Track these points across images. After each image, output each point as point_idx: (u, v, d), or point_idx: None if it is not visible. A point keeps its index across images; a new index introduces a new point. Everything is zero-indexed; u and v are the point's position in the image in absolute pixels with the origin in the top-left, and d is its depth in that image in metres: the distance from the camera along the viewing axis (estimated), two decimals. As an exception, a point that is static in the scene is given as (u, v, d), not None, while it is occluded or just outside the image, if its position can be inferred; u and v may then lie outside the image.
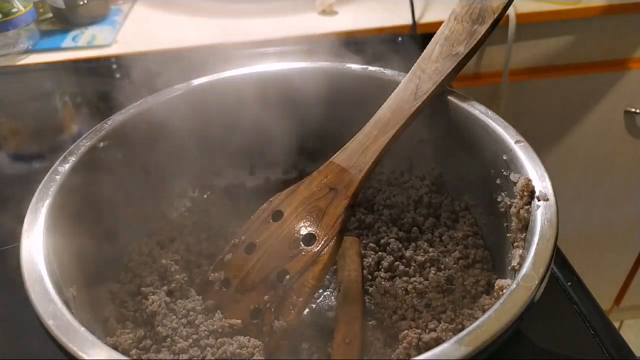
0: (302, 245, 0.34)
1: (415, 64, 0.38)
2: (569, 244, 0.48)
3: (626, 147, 0.91)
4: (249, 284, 0.35)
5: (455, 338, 0.23)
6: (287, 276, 0.33)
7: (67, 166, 0.33)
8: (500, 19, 0.36)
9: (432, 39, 0.38)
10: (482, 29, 0.36)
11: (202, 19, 0.77)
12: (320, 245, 0.33)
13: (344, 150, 0.36)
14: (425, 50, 0.38)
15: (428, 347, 0.31)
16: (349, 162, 0.35)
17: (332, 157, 0.36)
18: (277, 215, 0.36)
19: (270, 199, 0.37)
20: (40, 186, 0.32)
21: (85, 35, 0.72)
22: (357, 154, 0.36)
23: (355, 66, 0.43)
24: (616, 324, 1.23)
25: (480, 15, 0.37)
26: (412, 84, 0.37)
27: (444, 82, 0.36)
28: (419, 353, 0.28)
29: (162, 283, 0.37)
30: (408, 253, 0.38)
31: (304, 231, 0.34)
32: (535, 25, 0.76)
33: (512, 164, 0.33)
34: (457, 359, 0.22)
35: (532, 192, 0.30)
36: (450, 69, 0.36)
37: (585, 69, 0.83)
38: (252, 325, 0.33)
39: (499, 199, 0.35)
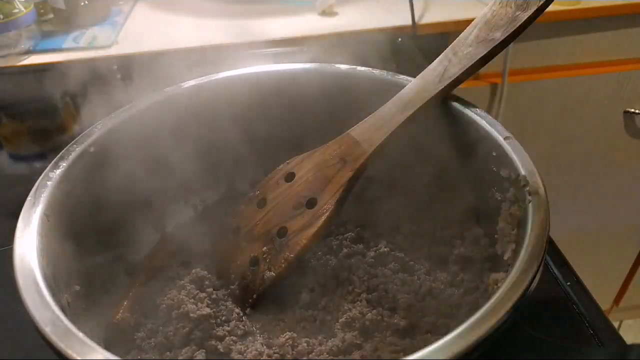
0: (305, 207, 0.37)
1: (449, 46, 0.37)
2: (568, 244, 0.48)
3: (625, 148, 0.92)
4: (254, 234, 0.38)
5: (454, 333, 0.23)
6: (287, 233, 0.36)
7: (58, 172, 0.33)
8: (544, 8, 0.34)
9: (474, 21, 0.37)
10: (524, 16, 0.34)
11: (202, 19, 0.77)
12: (318, 210, 0.36)
13: (362, 123, 0.37)
14: (463, 32, 0.37)
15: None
16: (364, 136, 0.37)
17: (350, 129, 0.38)
18: (290, 176, 0.39)
19: (287, 161, 0.40)
20: (32, 192, 0.32)
21: (86, 36, 0.72)
22: (372, 129, 0.36)
23: (353, 67, 0.43)
24: (615, 324, 1.23)
25: (526, 1, 0.35)
26: (440, 66, 0.36)
27: (472, 67, 0.35)
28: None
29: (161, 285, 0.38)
30: (409, 256, 0.39)
31: (308, 195, 0.37)
32: (535, 25, 0.76)
33: (502, 160, 0.33)
34: (456, 352, 0.22)
35: (523, 187, 0.31)
36: (482, 55, 0.35)
37: (585, 69, 0.83)
38: (248, 271, 0.37)
39: (489, 195, 0.35)
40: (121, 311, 0.36)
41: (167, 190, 0.43)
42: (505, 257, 0.31)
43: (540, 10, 0.34)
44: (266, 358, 0.33)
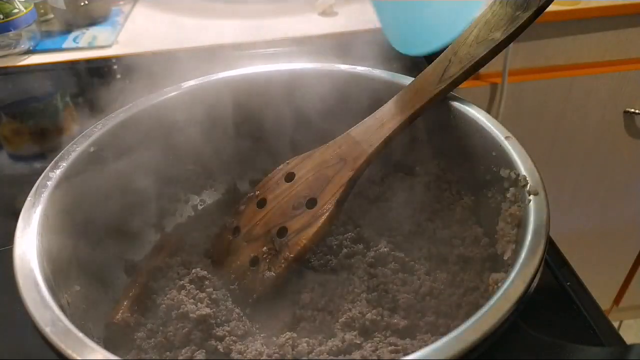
0: (305, 207, 0.37)
1: (449, 46, 0.37)
2: (568, 244, 0.49)
3: (625, 148, 0.92)
4: (254, 234, 0.39)
5: (454, 333, 0.23)
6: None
7: (58, 172, 0.33)
8: (544, 8, 0.34)
9: (474, 21, 0.37)
10: (525, 16, 0.34)
11: (202, 20, 0.77)
12: (318, 210, 0.36)
13: (362, 123, 0.37)
14: (463, 32, 0.37)
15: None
16: (364, 136, 0.37)
17: (350, 129, 0.38)
18: (290, 176, 0.39)
19: (287, 161, 0.40)
20: (32, 192, 0.32)
21: (86, 36, 0.72)
22: (372, 129, 0.37)
23: (353, 67, 0.43)
24: (615, 324, 1.23)
25: (526, 1, 0.35)
26: (440, 66, 0.36)
27: (472, 67, 0.35)
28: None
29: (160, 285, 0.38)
30: (409, 256, 0.39)
31: (308, 195, 0.37)
32: (535, 25, 0.76)
33: (502, 159, 0.33)
34: (456, 352, 0.22)
35: (523, 187, 0.31)
36: (482, 55, 0.35)
37: (585, 69, 0.83)
38: (248, 271, 0.38)
39: (489, 195, 0.35)
40: (121, 311, 0.36)
41: (167, 190, 0.43)
42: (505, 257, 0.31)
43: (540, 10, 0.34)
44: (266, 358, 0.33)
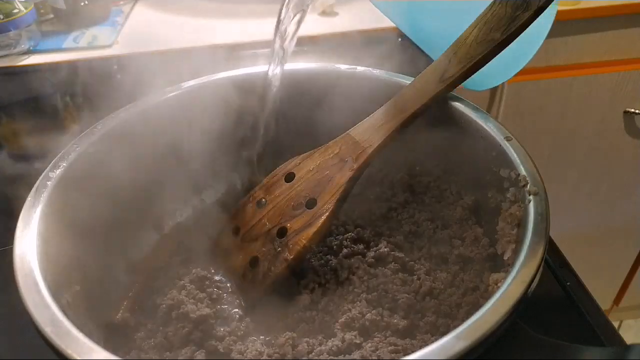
0: (304, 207, 0.37)
1: (450, 46, 0.37)
2: (568, 244, 0.49)
3: (625, 147, 0.92)
4: (254, 234, 0.39)
5: (454, 333, 0.23)
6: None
7: (57, 172, 0.33)
8: (544, 8, 0.34)
9: (473, 21, 0.37)
10: (525, 16, 0.34)
11: (202, 19, 0.77)
12: (318, 210, 0.36)
13: (362, 123, 0.38)
14: (463, 32, 0.36)
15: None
16: (363, 136, 0.37)
17: (350, 129, 0.38)
18: (290, 176, 0.39)
19: (287, 161, 0.40)
20: (32, 192, 0.32)
21: (86, 36, 0.72)
22: (372, 129, 0.37)
23: (353, 67, 0.43)
24: (615, 324, 1.23)
25: (526, 1, 0.34)
26: (440, 66, 0.36)
27: (472, 67, 0.35)
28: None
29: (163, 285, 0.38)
30: (409, 256, 0.39)
31: (307, 195, 0.37)
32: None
33: (502, 159, 0.33)
34: (456, 352, 0.22)
35: (523, 187, 0.31)
36: (481, 55, 0.34)
37: (585, 69, 0.83)
38: (248, 271, 0.37)
39: (489, 195, 0.35)
40: (121, 311, 0.36)
41: (167, 190, 0.43)
42: (505, 257, 0.31)
43: (540, 10, 0.34)
44: (266, 358, 0.33)
